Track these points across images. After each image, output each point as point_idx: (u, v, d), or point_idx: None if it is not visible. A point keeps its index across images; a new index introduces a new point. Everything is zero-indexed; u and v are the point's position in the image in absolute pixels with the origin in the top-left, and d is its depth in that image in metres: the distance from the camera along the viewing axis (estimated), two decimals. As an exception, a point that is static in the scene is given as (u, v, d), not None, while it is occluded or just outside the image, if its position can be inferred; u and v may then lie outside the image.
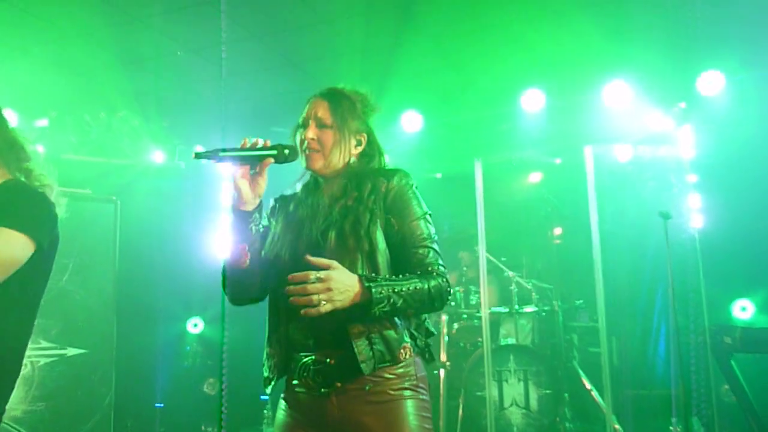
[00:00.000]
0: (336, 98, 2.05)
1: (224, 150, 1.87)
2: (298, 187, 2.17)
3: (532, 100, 5.76)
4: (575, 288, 6.01)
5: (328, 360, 1.93)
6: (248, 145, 1.92)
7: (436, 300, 1.93)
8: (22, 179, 2.06)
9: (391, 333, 1.93)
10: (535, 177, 6.75)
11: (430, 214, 2.04)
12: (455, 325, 5.85)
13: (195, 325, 6.60)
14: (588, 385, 5.51)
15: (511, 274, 5.79)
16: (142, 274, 5.51)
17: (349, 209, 1.97)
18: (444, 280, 1.96)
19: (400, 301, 1.85)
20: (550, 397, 5.21)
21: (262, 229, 2.04)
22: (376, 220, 1.94)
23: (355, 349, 1.87)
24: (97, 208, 5.29)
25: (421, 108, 6.15)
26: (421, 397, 1.95)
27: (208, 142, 6.21)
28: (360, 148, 2.09)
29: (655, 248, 5.13)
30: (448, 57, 5.30)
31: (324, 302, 1.77)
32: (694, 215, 5.38)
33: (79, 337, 5.02)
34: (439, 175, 6.71)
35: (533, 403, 5.20)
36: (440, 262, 1.99)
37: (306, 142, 2.01)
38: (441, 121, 6.23)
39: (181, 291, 6.03)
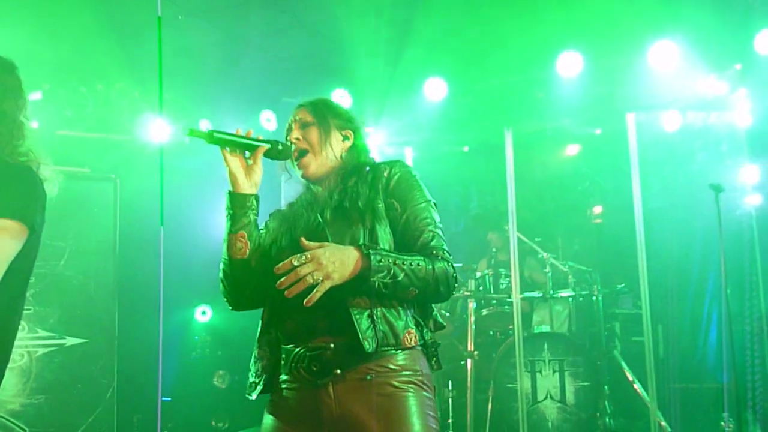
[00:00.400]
0: (315, 101, 2.25)
1: (218, 132, 2.03)
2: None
3: (569, 64, 5.71)
4: (617, 271, 5.98)
5: (325, 346, 1.96)
6: (241, 134, 2.09)
7: (441, 283, 1.99)
8: (5, 154, 2.07)
9: (395, 314, 1.99)
10: (572, 149, 6.71)
11: (435, 203, 2.14)
12: (484, 312, 5.88)
13: (203, 313, 6.67)
14: (630, 378, 5.50)
15: (545, 255, 5.78)
16: (144, 258, 5.53)
17: (348, 190, 2.08)
18: (450, 265, 2.03)
19: (402, 275, 1.90)
20: (588, 390, 5.21)
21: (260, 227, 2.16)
22: (378, 198, 2.06)
23: (357, 328, 1.91)
24: (95, 187, 5.37)
25: (446, 74, 6.12)
26: (427, 394, 1.98)
27: (215, 115, 6.27)
28: (348, 143, 2.23)
29: (705, 226, 5.11)
30: (474, 15, 5.29)
31: (320, 279, 1.82)
32: (750, 189, 5.34)
33: (79, 325, 5.14)
34: (466, 148, 6.74)
35: (570, 396, 5.21)
36: (446, 247, 2.07)
37: (293, 145, 2.17)
38: (467, 88, 6.20)
39: (188, 276, 6.06)
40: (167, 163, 6.01)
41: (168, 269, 5.87)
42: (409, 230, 2.05)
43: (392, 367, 1.96)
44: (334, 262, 1.84)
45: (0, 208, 1.95)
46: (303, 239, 1.89)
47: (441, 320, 2.14)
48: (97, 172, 5.49)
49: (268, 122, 6.35)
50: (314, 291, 1.82)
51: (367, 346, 1.90)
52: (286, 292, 1.83)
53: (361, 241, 1.98)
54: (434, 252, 2.03)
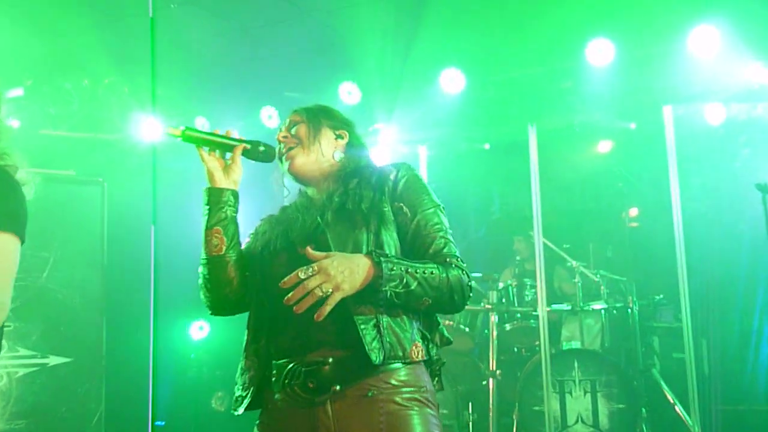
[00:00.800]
0: (308, 106, 2.33)
1: (192, 129, 2.13)
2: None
3: (600, 52, 5.70)
4: (654, 280, 5.98)
5: (323, 361, 1.97)
6: (220, 133, 2.18)
7: (456, 292, 2.03)
8: None
9: (402, 325, 2.01)
10: (603, 146, 6.71)
11: (443, 208, 2.19)
12: (507, 327, 5.88)
13: (200, 329, 6.67)
14: (671, 399, 5.48)
15: (574, 264, 5.79)
16: (134, 269, 5.55)
17: (350, 192, 2.12)
18: (464, 273, 2.08)
19: (415, 284, 1.94)
20: (624, 412, 5.17)
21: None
22: (384, 201, 2.10)
23: (362, 339, 1.92)
24: (80, 191, 5.37)
25: (463, 64, 6.11)
26: (431, 411, 2.00)
27: (212, 111, 6.29)
28: (342, 141, 2.29)
29: (752, 230, 5.05)
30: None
31: (330, 291, 1.85)
32: (802, 189, 5.28)
33: (63, 343, 5.11)
34: (486, 146, 6.75)
35: (603, 419, 5.18)
36: (459, 254, 2.11)
37: (281, 144, 2.25)
38: (487, 79, 6.19)
39: (183, 288, 5.92)
40: (160, 164, 5.96)
41: (161, 281, 5.90)
42: (420, 236, 2.09)
43: (395, 382, 1.97)
44: (343, 271, 1.86)
45: None
46: (309, 249, 1.92)
47: (447, 335, 2.16)
48: (83, 174, 5.50)
49: (269, 119, 6.38)
50: (324, 304, 1.85)
51: (375, 358, 1.92)
52: (295, 307, 1.85)
53: (366, 246, 2.01)
54: (447, 259, 2.06)
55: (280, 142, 2.25)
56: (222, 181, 2.16)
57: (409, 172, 2.17)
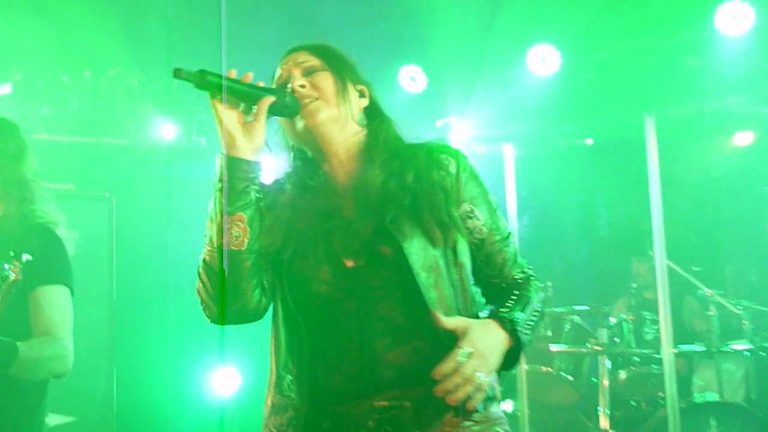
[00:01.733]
0: (317, 44, 2.28)
1: (212, 74, 1.98)
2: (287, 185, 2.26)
3: (735, 19, 5.60)
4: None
5: (399, 405, 2.01)
6: (239, 78, 2.06)
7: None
8: (25, 218, 2.92)
9: None
10: (742, 138, 6.65)
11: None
12: (622, 374, 5.86)
13: (228, 379, 6.54)
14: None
15: (708, 291, 5.71)
16: (149, 306, 5.62)
17: (409, 189, 2.10)
18: (537, 281, 2.23)
19: (530, 332, 2.09)
20: (778, 485, 5.09)
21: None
22: (451, 200, 2.12)
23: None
24: (84, 209, 5.35)
25: (557, 39, 6.08)
26: None
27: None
28: (365, 101, 2.26)
29: None
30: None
31: (485, 378, 1.93)
32: None
33: (65, 397, 5.00)
34: (589, 141, 6.76)
35: (750, 494, 5.11)
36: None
37: (296, 91, 2.15)
38: (588, 57, 6.17)
39: (207, 326, 6.12)
40: (176, 172, 6.10)
41: (180, 320, 5.92)
42: (493, 248, 2.18)
43: (477, 418, 2.04)
44: (491, 349, 1.97)
45: (47, 274, 2.82)
46: (444, 319, 1.95)
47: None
48: (85, 189, 5.57)
49: None
50: (475, 397, 1.92)
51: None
52: (448, 399, 1.89)
53: (447, 270, 2.06)
54: (524, 271, 2.21)
55: (293, 91, 2.15)
56: (245, 148, 2.04)
57: (468, 162, 2.20)
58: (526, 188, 6.06)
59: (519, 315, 2.05)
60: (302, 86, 2.14)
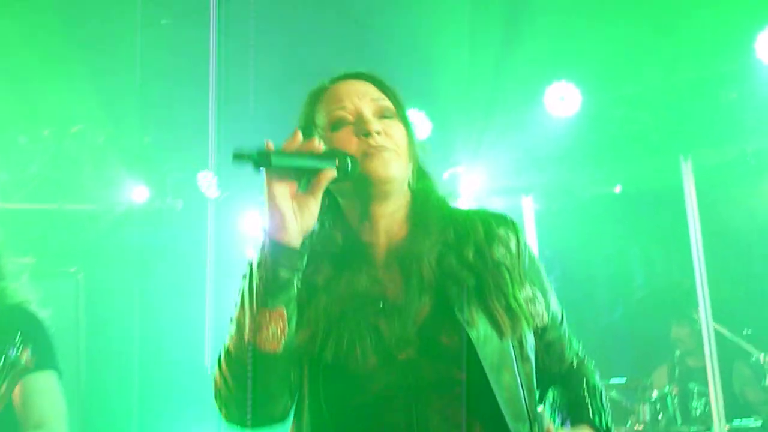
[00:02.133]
0: (376, 78, 2.18)
1: (276, 154, 1.92)
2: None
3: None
4: None
5: None
6: (297, 146, 1.96)
7: None
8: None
9: None
10: (793, 179, 6.64)
11: None
12: (669, 456, 5.72)
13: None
14: None
15: (762, 357, 5.69)
16: (120, 387, 5.59)
17: (472, 266, 2.03)
18: (591, 361, 2.28)
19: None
20: None
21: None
22: (516, 283, 2.06)
23: None
24: (46, 287, 5.18)
25: (577, 76, 6.07)
26: None
27: (220, 165, 6.19)
28: None
29: None
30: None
31: None
32: None
33: None
34: (618, 189, 6.76)
35: None
36: None
37: (371, 136, 2.04)
38: (612, 95, 6.19)
39: (185, 412, 5.89)
40: (148, 239, 6.08)
41: (154, 403, 5.82)
42: (553, 335, 2.17)
43: None
44: None
45: (33, 360, 2.80)
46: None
47: None
48: (47, 264, 5.36)
49: None
50: None
51: None
52: None
53: (516, 367, 2.00)
54: (578, 354, 2.25)
55: (365, 134, 2.03)
56: (294, 230, 1.93)
57: (524, 235, 2.16)
58: (549, 246, 6.04)
59: (609, 420, 2.09)
60: (378, 132, 2.04)
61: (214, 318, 5.82)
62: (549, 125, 6.10)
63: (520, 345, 2.01)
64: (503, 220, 2.14)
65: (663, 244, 5.93)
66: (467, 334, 1.93)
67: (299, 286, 1.97)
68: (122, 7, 5.06)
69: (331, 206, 2.11)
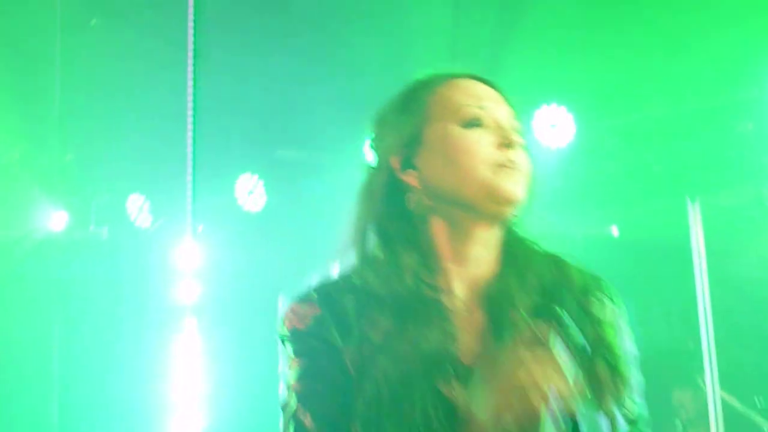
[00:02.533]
0: (506, 94, 2.13)
1: None
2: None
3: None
4: None
5: None
6: None
7: None
8: None
9: None
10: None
11: None
12: None
13: None
14: None
15: None
16: None
17: (568, 330, 1.87)
18: None
19: None
20: None
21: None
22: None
23: None
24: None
25: (570, 99, 6.07)
26: None
27: (148, 184, 6.31)
28: None
29: None
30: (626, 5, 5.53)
31: None
32: None
33: None
34: (614, 231, 6.86)
35: None
36: None
37: (514, 149, 1.99)
38: (612, 123, 6.21)
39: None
40: (69, 272, 5.95)
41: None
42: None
43: None
44: None
45: None
46: None
47: None
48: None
49: (249, 195, 6.49)
50: None
51: None
52: None
53: None
54: None
55: (508, 145, 1.95)
56: None
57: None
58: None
59: None
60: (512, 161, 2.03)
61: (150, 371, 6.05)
62: (537, 157, 5.61)
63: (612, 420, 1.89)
64: (599, 282, 2.03)
65: (665, 298, 5.99)
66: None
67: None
68: (41, 3, 5.12)
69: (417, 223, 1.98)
